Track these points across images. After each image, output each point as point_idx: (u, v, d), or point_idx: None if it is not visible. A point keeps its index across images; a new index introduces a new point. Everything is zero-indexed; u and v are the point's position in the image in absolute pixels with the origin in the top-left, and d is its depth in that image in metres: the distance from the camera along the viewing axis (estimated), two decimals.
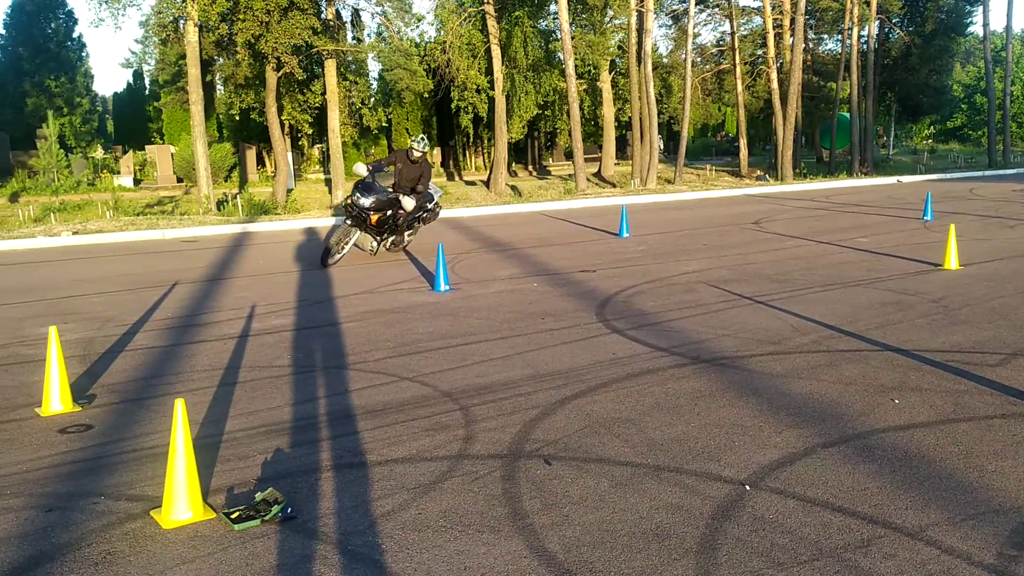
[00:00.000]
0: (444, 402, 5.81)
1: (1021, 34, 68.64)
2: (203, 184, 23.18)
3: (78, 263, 13.88)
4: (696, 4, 35.40)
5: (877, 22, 37.87)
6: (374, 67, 44.61)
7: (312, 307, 9.48)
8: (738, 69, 37.65)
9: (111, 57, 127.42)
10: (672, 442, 4.94)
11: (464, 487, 4.35)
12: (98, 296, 10.45)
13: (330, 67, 27.12)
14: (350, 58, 30.95)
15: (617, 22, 35.69)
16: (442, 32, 32.79)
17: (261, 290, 10.65)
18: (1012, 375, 6.15)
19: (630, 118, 35.03)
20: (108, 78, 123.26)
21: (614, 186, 32.18)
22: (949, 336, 7.38)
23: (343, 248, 12.38)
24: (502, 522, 3.95)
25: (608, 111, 38.62)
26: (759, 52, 40.28)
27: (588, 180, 31.16)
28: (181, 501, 4.00)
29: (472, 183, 36.80)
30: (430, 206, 13.23)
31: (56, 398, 5.75)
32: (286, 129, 32.84)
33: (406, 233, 13.18)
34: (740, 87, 37.89)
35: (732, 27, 37.81)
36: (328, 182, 32.41)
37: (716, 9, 40.23)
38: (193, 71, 23.05)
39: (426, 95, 34.99)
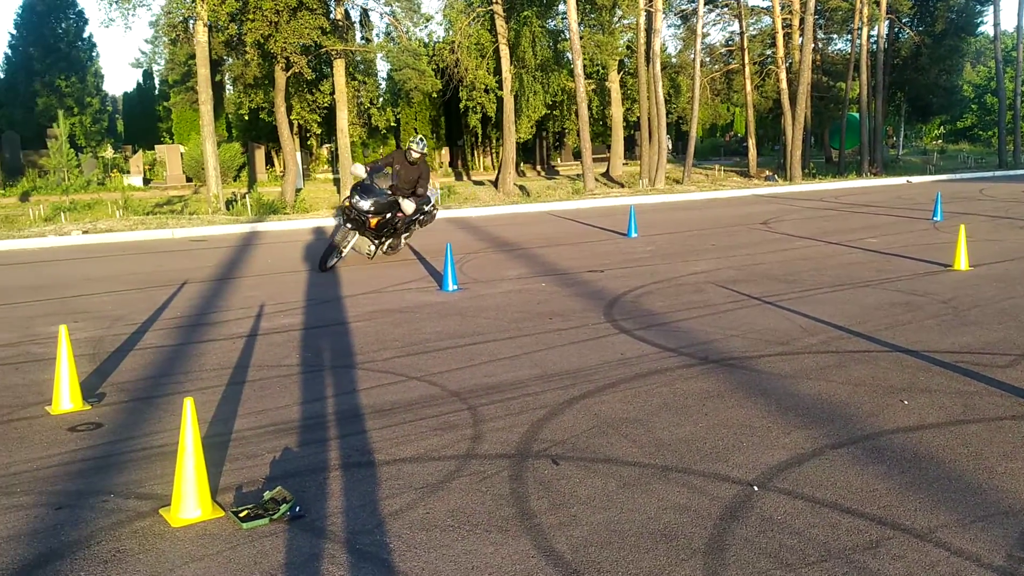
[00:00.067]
0: (452, 402, 5.81)
1: None
2: (212, 184, 23.25)
3: (88, 262, 13.94)
4: (705, 4, 35.36)
5: (887, 22, 37.75)
6: (383, 67, 44.64)
7: (320, 306, 9.50)
8: (747, 69, 37.56)
9: (121, 57, 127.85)
10: (680, 442, 4.93)
11: (472, 487, 4.36)
12: (108, 295, 10.50)
13: (339, 67, 27.16)
14: (359, 58, 31.00)
15: (626, 22, 35.64)
16: (451, 32, 32.80)
17: (270, 289, 10.68)
18: (1022, 376, 6.12)
19: (638, 118, 34.98)
20: (118, 78, 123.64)
21: (622, 186, 32.15)
22: (959, 337, 7.35)
23: (342, 252, 12.04)
24: (510, 522, 3.95)
25: (616, 111, 38.57)
26: (768, 52, 40.17)
27: (596, 180, 31.15)
28: (190, 499, 4.01)
29: (480, 183, 36.82)
30: (427, 208, 12.80)
31: (66, 396, 5.77)
32: (295, 129, 32.93)
33: (402, 236, 12.79)
34: (749, 87, 37.80)
35: (741, 27, 37.75)
36: (337, 182, 32.49)
37: (725, 9, 40.15)
38: (203, 71, 23.12)
39: (434, 95, 35.06)
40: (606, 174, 37.43)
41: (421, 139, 12.34)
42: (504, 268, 12.03)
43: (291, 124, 29.09)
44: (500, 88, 30.87)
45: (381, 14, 29.92)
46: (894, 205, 20.98)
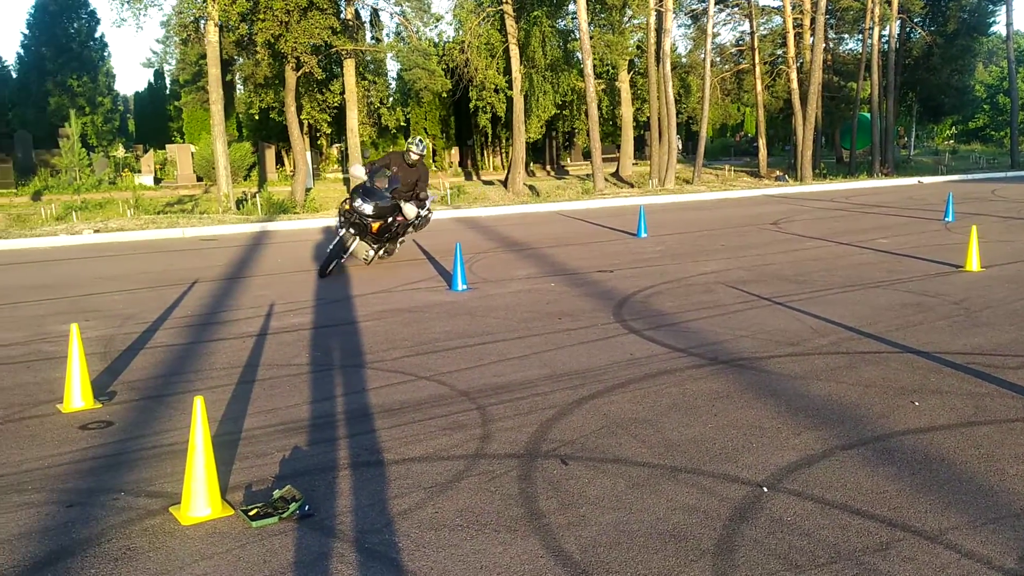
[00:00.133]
0: (461, 401, 5.81)
1: None
2: (223, 183, 23.32)
3: (99, 261, 14.00)
4: (716, 3, 35.29)
5: (898, 22, 37.60)
6: (392, 67, 44.76)
7: (330, 306, 9.52)
8: (758, 69, 37.46)
9: (132, 57, 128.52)
10: (689, 443, 4.92)
11: (481, 486, 4.36)
12: (119, 294, 10.54)
13: (349, 67, 27.22)
14: (369, 58, 31.06)
15: (636, 22, 35.59)
16: (461, 32, 32.80)
17: (279, 289, 10.71)
18: None
19: (648, 118, 34.94)
20: (129, 78, 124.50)
21: (632, 186, 32.11)
22: (970, 338, 7.31)
23: (342, 258, 11.56)
24: (519, 522, 3.95)
25: (626, 111, 38.53)
26: (779, 52, 40.06)
27: (606, 180, 31.12)
28: (200, 498, 4.03)
29: (490, 183, 36.82)
30: (423, 212, 12.26)
31: (77, 394, 5.80)
32: (305, 128, 33.00)
33: (398, 240, 12.37)
34: (759, 87, 37.70)
35: (752, 27, 37.65)
36: (347, 181, 32.54)
37: (736, 9, 40.05)
38: (213, 71, 23.20)
39: (444, 95, 35.06)
40: (616, 174, 37.38)
41: (421, 140, 11.96)
42: (514, 268, 12.03)
43: (301, 124, 29.15)
44: (510, 88, 30.87)
45: (391, 14, 29.99)
46: (905, 206, 20.89)
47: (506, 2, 29.73)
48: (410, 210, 11.49)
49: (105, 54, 44.97)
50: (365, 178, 11.45)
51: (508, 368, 6.66)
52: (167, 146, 40.02)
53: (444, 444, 4.98)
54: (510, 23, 29.98)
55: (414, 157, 11.75)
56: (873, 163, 35.34)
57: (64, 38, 41.60)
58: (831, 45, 42.17)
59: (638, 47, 38.95)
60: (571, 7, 33.11)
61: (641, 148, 47.12)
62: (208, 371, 6.79)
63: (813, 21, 33.37)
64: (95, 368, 6.82)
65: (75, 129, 28.45)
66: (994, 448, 4.75)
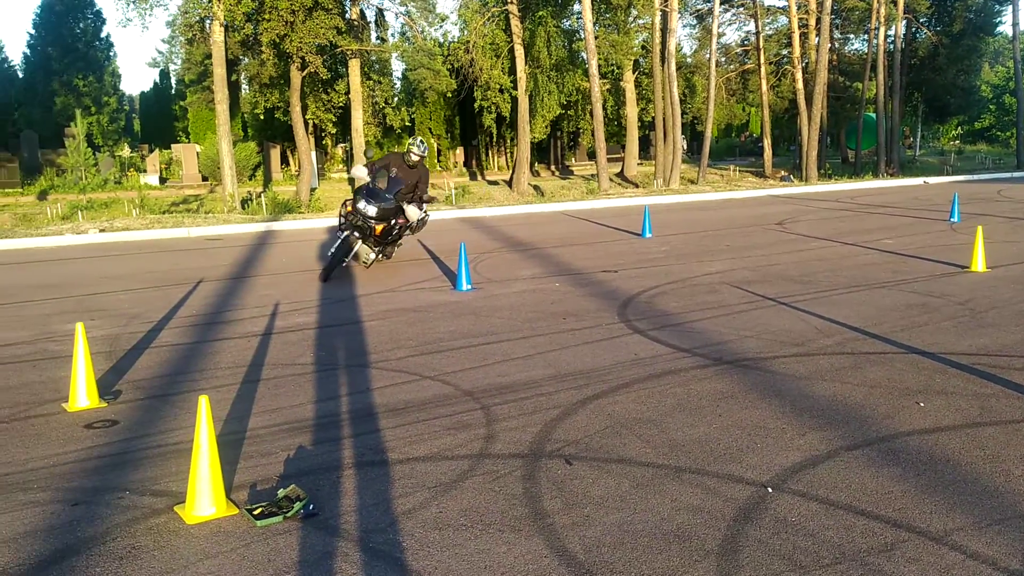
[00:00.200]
0: (465, 401, 5.82)
1: None
2: (228, 183, 23.36)
3: (105, 260, 14.04)
4: (721, 4, 35.26)
5: (904, 22, 37.52)
6: (398, 67, 44.76)
7: (334, 305, 9.53)
8: (763, 69, 37.42)
9: (138, 57, 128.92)
10: (694, 443, 4.92)
11: (485, 486, 4.36)
12: (124, 293, 10.56)
13: (354, 67, 27.24)
14: (374, 58, 31.12)
15: (641, 22, 35.58)
16: (465, 32, 32.83)
17: (284, 288, 10.72)
18: None
19: (653, 118, 34.92)
20: (135, 77, 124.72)
21: (637, 186, 32.10)
22: (975, 339, 7.30)
23: (345, 262, 11.32)
24: (523, 521, 3.95)
25: (631, 111, 38.50)
26: (784, 52, 40.03)
27: (611, 180, 31.10)
28: (205, 497, 4.03)
29: (495, 182, 36.83)
30: (421, 215, 11.94)
31: (82, 394, 5.81)
32: (310, 128, 33.05)
33: (397, 243, 12.16)
34: (765, 87, 37.67)
35: (757, 27, 37.61)
36: (351, 181, 32.54)
37: (741, 9, 40.03)
38: (219, 70, 23.24)
39: (449, 95, 35.11)
40: (620, 174, 37.37)
41: (422, 141, 11.73)
42: (518, 268, 12.03)
43: (306, 123, 29.21)
44: (515, 88, 30.88)
45: (396, 14, 29.99)
46: (911, 206, 20.85)
47: (511, 2, 29.72)
48: (413, 212, 11.32)
49: (111, 54, 45.11)
50: (368, 179, 11.24)
51: (512, 368, 6.66)
52: (172, 146, 40.13)
53: (448, 444, 4.98)
54: (515, 23, 29.98)
55: (415, 158, 11.54)
56: (878, 163, 35.27)
57: (70, 38, 41.72)
58: (836, 45, 42.10)
59: (643, 47, 38.95)
60: (576, 7, 33.08)
61: (646, 148, 47.10)
62: (213, 370, 6.80)
63: (818, 21, 33.32)
64: (100, 367, 6.84)
65: (81, 129, 28.49)
66: (999, 449, 4.74)
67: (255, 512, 4.05)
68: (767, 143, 38.39)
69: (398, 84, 43.50)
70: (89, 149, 30.72)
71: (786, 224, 17.27)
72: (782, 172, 36.97)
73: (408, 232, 12.14)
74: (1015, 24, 36.46)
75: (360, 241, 11.16)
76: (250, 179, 34.32)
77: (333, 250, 11.20)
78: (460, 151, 44.57)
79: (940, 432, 5.03)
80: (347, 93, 28.07)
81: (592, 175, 35.32)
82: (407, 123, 34.35)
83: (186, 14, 24.19)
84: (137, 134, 52.41)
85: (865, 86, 37.44)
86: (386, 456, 4.81)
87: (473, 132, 44.18)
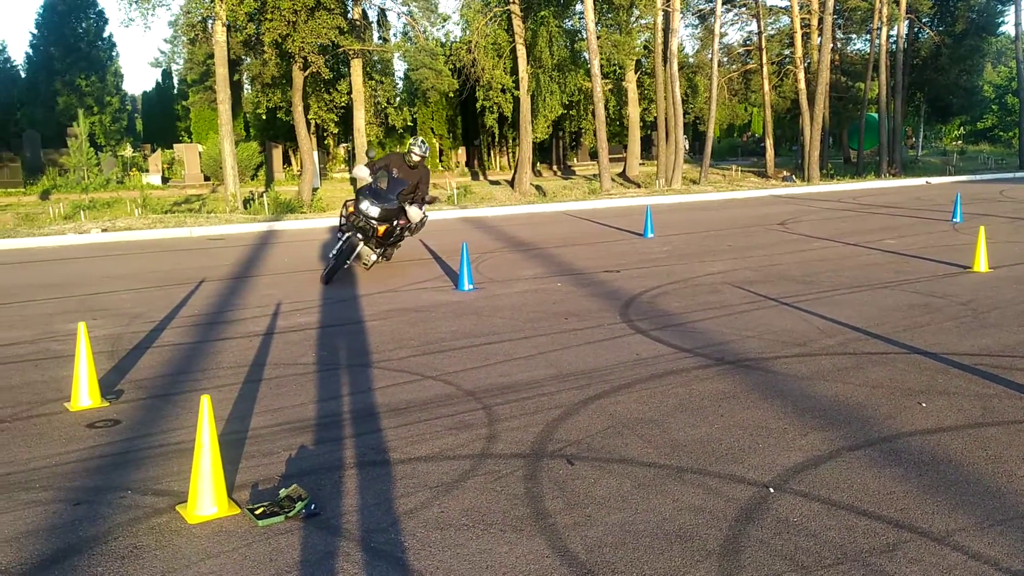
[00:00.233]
0: (467, 401, 5.82)
1: None
2: (230, 182, 23.37)
3: (107, 260, 14.05)
4: (723, 3, 35.22)
5: (906, 22, 37.50)
6: (400, 67, 44.81)
7: (336, 305, 9.53)
8: (765, 69, 37.40)
9: (140, 56, 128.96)
10: (696, 443, 4.92)
11: (487, 486, 4.36)
12: (126, 293, 10.57)
13: (356, 67, 27.25)
14: (376, 58, 31.13)
15: (643, 22, 35.59)
16: (468, 32, 32.84)
17: (286, 288, 10.72)
18: None
19: (655, 118, 34.91)
20: (137, 77, 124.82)
21: (639, 186, 32.09)
22: (978, 339, 7.29)
23: (347, 264, 11.09)
24: (524, 521, 3.95)
25: (633, 111, 38.50)
26: (786, 52, 40.00)
27: (613, 180, 31.10)
28: (206, 496, 4.04)
29: (497, 182, 36.83)
30: (422, 215, 11.67)
31: (85, 393, 5.82)
32: (312, 128, 33.06)
33: (398, 244, 11.94)
34: (767, 87, 37.65)
35: (759, 27, 37.58)
36: (354, 181, 32.55)
37: (743, 9, 40.00)
38: (221, 70, 23.25)
39: (451, 95, 35.10)
40: (623, 174, 37.36)
41: (423, 141, 11.49)
42: (520, 268, 12.03)
43: (308, 123, 29.21)
44: (517, 88, 30.89)
45: (398, 14, 30.00)
46: (913, 206, 20.83)
47: (513, 2, 29.72)
48: (415, 213, 11.16)
49: (113, 54, 45.15)
50: (370, 180, 11.08)
51: (514, 368, 6.66)
52: (175, 145, 40.18)
53: (450, 444, 4.98)
54: (517, 23, 29.99)
55: (416, 158, 11.33)
56: (881, 163, 35.25)
57: (72, 38, 41.76)
58: (839, 45, 42.07)
59: (645, 47, 38.94)
60: (578, 7, 33.11)
61: (648, 148, 47.09)
62: (215, 370, 6.81)
63: (821, 21, 33.31)
64: (103, 367, 6.84)
65: (83, 128, 28.54)
66: (1002, 449, 4.73)
67: (257, 512, 4.05)
68: (769, 143, 38.37)
69: (400, 84, 43.52)
70: (91, 149, 30.77)
71: (788, 224, 17.26)
72: (784, 172, 36.95)
73: (407, 233, 11.97)
74: (1018, 24, 36.42)
75: (362, 242, 10.98)
76: (252, 179, 34.34)
77: (335, 252, 10.99)
78: (462, 151, 44.59)
79: (942, 432, 5.02)
80: (349, 93, 28.09)
81: (594, 175, 35.32)
82: (409, 123, 34.38)
83: (188, 14, 24.22)
84: (139, 134, 52.47)
85: (867, 86, 37.40)
86: (388, 456, 4.81)
87: (475, 132, 44.20)
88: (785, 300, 9.16)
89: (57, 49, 40.85)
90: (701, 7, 39.71)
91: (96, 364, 6.33)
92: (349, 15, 26.82)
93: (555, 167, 46.60)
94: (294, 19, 23.29)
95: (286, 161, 39.45)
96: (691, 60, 43.73)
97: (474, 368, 6.68)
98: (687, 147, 46.04)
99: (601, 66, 31.31)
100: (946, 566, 3.47)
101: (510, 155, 45.61)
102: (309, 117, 29.14)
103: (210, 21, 23.71)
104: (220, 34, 22.99)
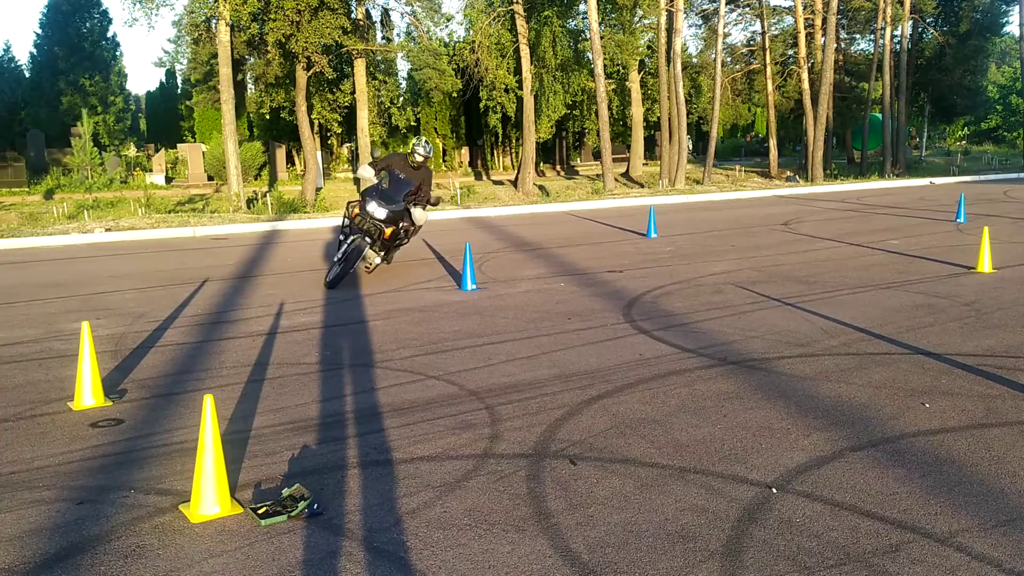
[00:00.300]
0: (470, 401, 5.82)
1: None
2: (233, 182, 23.40)
3: (111, 259, 14.07)
4: (727, 4, 35.21)
5: (910, 22, 37.45)
6: (403, 66, 44.82)
7: (339, 305, 9.54)
8: (768, 69, 37.37)
9: (144, 56, 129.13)
10: (698, 444, 4.91)
11: (489, 486, 4.36)
12: (130, 292, 10.59)
13: (359, 66, 27.27)
14: (379, 58, 31.14)
15: (646, 22, 35.59)
16: (471, 32, 32.85)
17: (289, 288, 10.73)
18: None
19: (659, 118, 34.92)
20: (141, 77, 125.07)
21: (642, 186, 32.08)
22: (981, 340, 7.28)
23: (352, 268, 10.75)
24: (527, 521, 3.95)
25: (637, 111, 38.49)
26: (790, 52, 39.97)
27: (616, 180, 31.09)
28: (209, 496, 4.04)
29: (500, 182, 36.83)
30: (427, 217, 11.38)
31: (88, 392, 5.83)
32: (315, 128, 33.10)
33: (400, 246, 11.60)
34: (770, 87, 37.61)
35: (763, 27, 37.57)
36: (357, 181, 32.58)
37: (747, 9, 39.99)
38: (224, 70, 23.28)
39: (454, 94, 35.10)
40: (626, 174, 37.35)
41: (426, 142, 11.18)
42: (523, 268, 12.03)
43: (312, 123, 29.23)
44: (520, 88, 30.89)
45: (402, 14, 30.12)
46: (917, 206, 20.80)
47: (517, 2, 29.72)
48: (419, 215, 10.92)
49: (117, 53, 45.20)
50: (375, 180, 10.90)
51: (517, 368, 6.66)
52: (178, 145, 40.23)
53: (453, 443, 4.98)
54: (521, 23, 29.98)
55: (419, 159, 11.05)
56: (884, 164, 35.20)
57: (76, 37, 41.81)
58: (843, 45, 42.04)
59: (649, 47, 38.94)
60: (582, 7, 33.12)
61: (651, 148, 47.10)
62: (218, 369, 6.81)
63: (824, 21, 33.28)
64: (106, 366, 6.85)
65: (87, 128, 28.60)
66: (1005, 450, 4.72)
67: (259, 511, 4.05)
68: (772, 143, 38.33)
69: (404, 84, 43.53)
70: (95, 148, 30.83)
71: (791, 224, 17.24)
72: (788, 172, 36.92)
73: (408, 237, 11.72)
74: (1022, 24, 36.42)
75: (368, 246, 10.68)
76: (255, 179, 34.38)
77: (341, 257, 10.61)
78: (465, 151, 44.61)
79: (945, 433, 5.02)
80: (352, 93, 28.10)
81: (597, 175, 35.31)
82: (412, 123, 34.39)
83: (192, 14, 24.25)
84: (143, 134, 52.53)
85: (871, 86, 37.35)
86: (390, 456, 4.81)
87: (478, 132, 44.22)
88: (788, 300, 9.15)
89: (61, 49, 40.90)
90: (705, 7, 39.71)
91: (99, 363, 6.33)
92: (353, 15, 26.83)
93: (558, 167, 46.61)
94: (298, 19, 23.31)
95: (289, 161, 39.49)
96: (695, 60, 43.70)
97: (477, 368, 6.68)
98: (690, 147, 46.03)
99: (605, 66, 31.31)
100: (949, 567, 3.47)
101: (513, 155, 45.63)
102: (312, 117, 29.16)
103: (214, 21, 23.75)
104: (224, 34, 23.01)
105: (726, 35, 37.79)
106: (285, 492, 4.22)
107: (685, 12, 33.46)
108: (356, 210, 10.68)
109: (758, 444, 4.89)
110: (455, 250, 13.53)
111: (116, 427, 5.38)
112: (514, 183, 33.80)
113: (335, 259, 10.78)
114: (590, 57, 31.60)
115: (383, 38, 30.46)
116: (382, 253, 11.05)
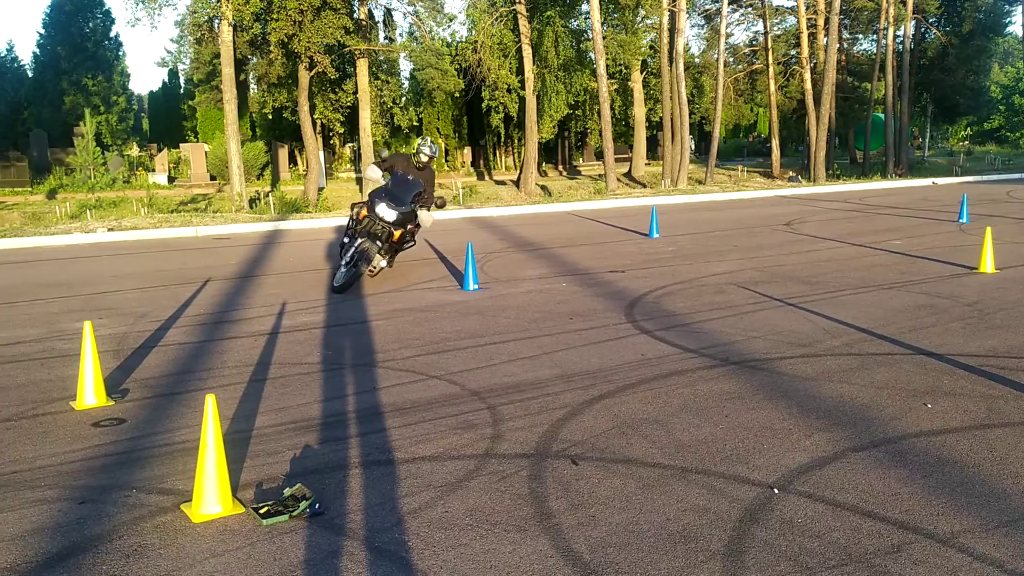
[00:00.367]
0: (472, 401, 5.82)
1: None
2: (236, 182, 23.42)
3: (113, 259, 14.08)
4: (729, 4, 35.19)
5: (913, 22, 37.40)
6: (405, 66, 44.86)
7: (341, 305, 9.54)
8: (771, 69, 37.35)
9: (147, 56, 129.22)
10: (700, 444, 4.91)
11: (491, 486, 4.36)
12: (132, 292, 10.60)
13: (362, 66, 27.27)
14: (382, 57, 31.14)
15: (649, 22, 35.56)
16: (473, 32, 32.86)
17: (291, 287, 10.74)
18: None
19: (661, 118, 34.91)
20: (144, 77, 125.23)
21: (644, 186, 32.07)
22: (983, 340, 7.27)
23: (360, 270, 10.30)
24: (528, 521, 3.95)
25: (639, 111, 38.48)
26: (792, 52, 39.95)
27: (618, 180, 31.08)
28: (211, 495, 4.04)
29: (502, 182, 36.83)
30: (432, 219, 11.08)
31: (90, 392, 5.83)
32: (318, 128, 33.11)
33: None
34: (773, 87, 37.58)
35: (765, 27, 37.54)
36: (359, 181, 32.60)
37: (749, 9, 39.97)
38: (227, 70, 23.30)
39: (457, 94, 35.12)
40: (628, 174, 37.34)
41: (432, 142, 11.01)
42: (525, 268, 12.03)
43: (314, 123, 29.26)
44: (522, 88, 30.89)
45: (404, 14, 30.11)
46: (919, 207, 20.78)
47: (519, 2, 29.72)
48: (426, 217, 10.69)
49: (120, 53, 45.30)
50: (382, 181, 10.70)
51: (519, 368, 6.66)
52: (181, 145, 40.28)
53: (454, 443, 4.98)
54: (523, 23, 29.99)
55: (424, 159, 10.87)
56: (887, 164, 35.16)
57: (79, 37, 41.89)
58: (845, 45, 42.00)
59: (651, 47, 38.93)
60: (584, 7, 33.11)
61: (654, 148, 47.08)
62: (220, 369, 6.82)
63: (827, 21, 33.24)
64: (108, 366, 6.86)
65: (90, 128, 28.64)
66: (1007, 451, 4.72)
67: (261, 511, 4.06)
68: (775, 143, 38.31)
69: (406, 84, 43.56)
70: (98, 148, 30.88)
71: (794, 225, 17.22)
72: (790, 172, 36.90)
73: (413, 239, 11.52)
74: None
75: (375, 249, 10.34)
76: (258, 178, 34.42)
77: (348, 260, 10.21)
78: (468, 151, 44.62)
79: (947, 434, 5.01)
80: (355, 93, 28.10)
81: (599, 175, 35.31)
82: (415, 123, 34.40)
83: (195, 14, 24.28)
84: (146, 133, 52.63)
85: (874, 86, 37.32)
86: (392, 455, 4.81)
87: (481, 132, 44.22)
88: (790, 301, 9.14)
89: (64, 49, 40.97)
90: (707, 7, 39.71)
91: (101, 363, 6.34)
92: (355, 15, 26.84)
93: (561, 167, 46.60)
94: (300, 19, 23.33)
95: (292, 161, 39.52)
96: (697, 60, 43.71)
97: (479, 368, 6.68)
98: (693, 147, 46.01)
99: (607, 66, 31.29)
100: (951, 568, 3.46)
101: (515, 155, 45.63)
102: (315, 117, 29.18)
103: (216, 21, 23.77)
104: (226, 34, 23.04)
105: (728, 35, 37.80)
106: (287, 492, 4.22)
107: (688, 12, 33.46)
108: (363, 211, 10.45)
109: (760, 444, 4.89)
110: (457, 250, 13.53)
111: (118, 427, 5.39)
112: (516, 183, 33.80)
113: (342, 262, 10.37)
114: (592, 57, 31.58)
115: (386, 38, 30.46)
116: (387, 256, 10.81)
